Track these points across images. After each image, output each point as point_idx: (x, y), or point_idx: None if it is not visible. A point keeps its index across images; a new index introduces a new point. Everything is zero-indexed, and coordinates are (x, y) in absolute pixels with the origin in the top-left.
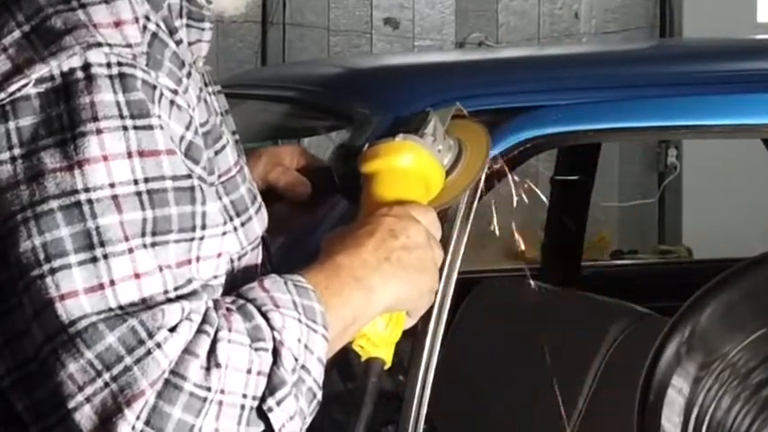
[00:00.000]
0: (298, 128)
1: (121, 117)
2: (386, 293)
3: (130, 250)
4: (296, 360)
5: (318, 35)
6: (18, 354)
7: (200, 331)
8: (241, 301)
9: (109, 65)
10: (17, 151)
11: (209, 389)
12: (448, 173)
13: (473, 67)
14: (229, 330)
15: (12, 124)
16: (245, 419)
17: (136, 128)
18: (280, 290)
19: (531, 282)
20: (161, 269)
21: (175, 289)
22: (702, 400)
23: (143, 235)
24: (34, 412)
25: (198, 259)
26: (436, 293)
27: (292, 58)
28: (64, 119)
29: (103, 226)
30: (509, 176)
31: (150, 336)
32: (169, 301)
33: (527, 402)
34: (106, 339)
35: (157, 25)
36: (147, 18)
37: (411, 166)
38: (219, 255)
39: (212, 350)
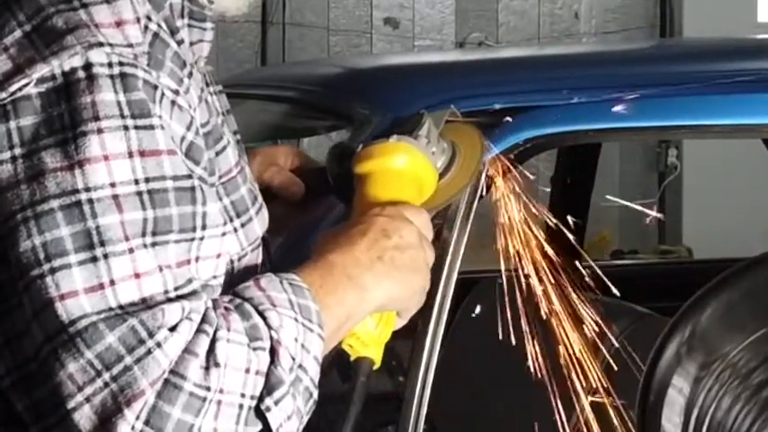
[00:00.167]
0: (297, 128)
1: (122, 117)
2: (379, 292)
3: (131, 250)
4: (293, 359)
5: (318, 35)
6: (18, 354)
7: (199, 331)
8: (238, 300)
9: (110, 65)
10: (18, 151)
11: (208, 388)
12: (441, 175)
13: (473, 68)
14: (228, 330)
15: (13, 124)
16: (244, 419)
17: (137, 128)
18: (276, 289)
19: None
20: (161, 269)
21: (175, 289)
22: (703, 401)
23: (143, 235)
24: (34, 412)
25: (197, 259)
26: (428, 294)
27: (292, 58)
28: (65, 118)
29: (104, 226)
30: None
31: (150, 335)
32: (169, 300)
33: (527, 402)
34: (106, 339)
35: (159, 25)
36: (149, 18)
37: (405, 168)
38: (219, 255)
39: (211, 350)
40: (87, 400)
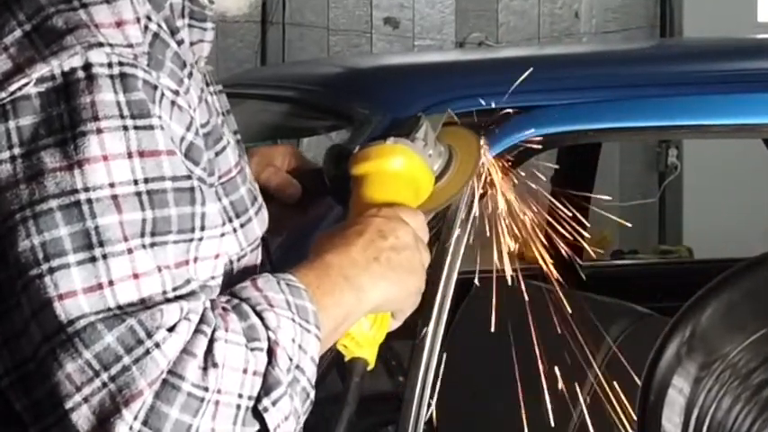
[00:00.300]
0: (297, 128)
1: (122, 117)
2: (375, 293)
3: (129, 250)
4: (290, 360)
5: (318, 35)
6: (16, 353)
7: (197, 331)
8: (236, 301)
9: (110, 65)
10: (17, 150)
11: (206, 389)
12: (437, 178)
13: (473, 67)
14: (226, 330)
15: (12, 123)
16: (241, 419)
17: (136, 128)
18: (273, 289)
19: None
20: (160, 269)
21: (174, 289)
22: (703, 401)
23: (142, 235)
24: (33, 412)
25: (196, 260)
26: (428, 294)
27: (292, 58)
28: (64, 118)
29: (103, 226)
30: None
31: (149, 335)
32: (168, 301)
33: (527, 402)
34: (105, 339)
35: (159, 25)
36: (149, 18)
37: (401, 170)
38: (218, 256)
39: (209, 350)
40: (85, 400)
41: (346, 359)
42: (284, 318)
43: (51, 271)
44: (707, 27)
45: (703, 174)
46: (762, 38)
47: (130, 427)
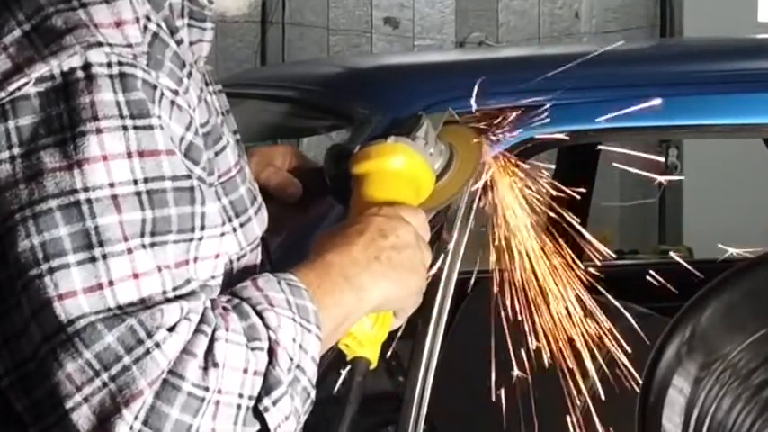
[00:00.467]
0: (297, 128)
1: (121, 117)
2: (375, 292)
3: (129, 250)
4: (291, 360)
5: (318, 35)
6: (16, 354)
7: (197, 331)
8: (236, 300)
9: (109, 64)
10: (17, 150)
11: (206, 388)
12: (438, 177)
13: (473, 67)
14: (226, 330)
15: (11, 123)
16: (242, 419)
17: (136, 128)
18: (273, 289)
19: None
20: (160, 269)
21: (174, 289)
22: (703, 401)
23: (142, 235)
24: (33, 412)
25: (196, 259)
26: (428, 294)
27: (292, 58)
28: (64, 118)
29: (102, 226)
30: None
31: (149, 335)
32: (168, 300)
33: (527, 402)
34: (105, 339)
35: (158, 25)
36: (148, 18)
37: (402, 169)
38: (218, 255)
39: (210, 350)
40: (86, 400)
41: (348, 358)
42: (285, 317)
43: (51, 271)
44: (707, 27)
45: (703, 174)
46: (762, 38)
47: (131, 427)
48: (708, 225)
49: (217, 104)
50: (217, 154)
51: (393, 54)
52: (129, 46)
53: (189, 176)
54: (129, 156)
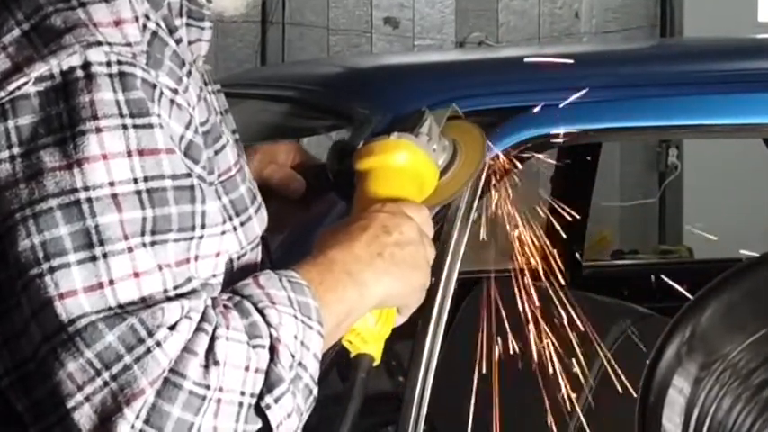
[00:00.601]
0: (297, 128)
1: (121, 116)
2: (378, 289)
3: (130, 249)
4: (293, 357)
5: (318, 34)
6: (17, 354)
7: (198, 329)
8: (237, 298)
9: (109, 63)
10: (16, 150)
11: (207, 387)
12: (442, 173)
13: (473, 67)
14: (227, 328)
15: (11, 123)
16: (244, 417)
17: (135, 127)
18: (275, 286)
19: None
20: (160, 268)
21: (175, 288)
22: (703, 401)
23: (142, 234)
24: (34, 412)
25: (197, 258)
26: (428, 293)
27: (292, 58)
28: (63, 117)
29: (103, 225)
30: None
31: (150, 334)
32: (169, 299)
33: (527, 403)
34: (106, 338)
35: (157, 24)
36: (147, 17)
37: (405, 165)
38: (218, 254)
39: (211, 348)
40: (87, 399)
41: (352, 355)
42: (286, 314)
43: (52, 270)
44: (707, 27)
45: (703, 174)
46: (762, 38)
47: (132, 426)
48: (708, 225)
49: (216, 104)
50: (217, 153)
51: (393, 54)
52: (129, 45)
53: (189, 175)
54: (129, 154)
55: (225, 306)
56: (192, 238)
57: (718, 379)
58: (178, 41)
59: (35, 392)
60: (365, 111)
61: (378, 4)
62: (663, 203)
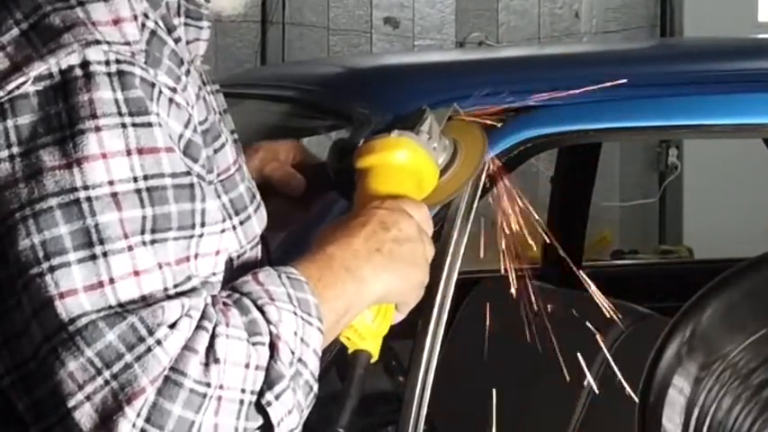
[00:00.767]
0: (297, 128)
1: (120, 115)
2: (377, 285)
3: (130, 248)
4: (293, 353)
5: (318, 34)
6: (17, 354)
7: (198, 327)
8: (236, 295)
9: (107, 62)
10: (16, 149)
11: (208, 384)
12: (442, 173)
13: (473, 67)
14: (227, 325)
15: (10, 122)
16: (244, 414)
17: (135, 125)
18: (274, 283)
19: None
20: (161, 266)
21: (175, 286)
22: (703, 401)
23: (142, 232)
24: (34, 412)
25: (197, 256)
26: (428, 294)
27: (292, 58)
28: (62, 117)
29: (103, 224)
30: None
31: (150, 333)
32: (169, 297)
33: (527, 402)
34: (106, 337)
35: (156, 23)
36: (146, 16)
37: (405, 163)
38: (218, 252)
39: (211, 346)
40: (88, 398)
41: (349, 351)
42: (286, 311)
43: (52, 269)
44: (707, 27)
45: (703, 174)
46: (762, 38)
47: (133, 425)
48: (708, 225)
49: (215, 103)
50: (216, 152)
51: (393, 54)
52: (127, 44)
53: (188, 173)
54: (129, 153)
55: (224, 304)
56: (191, 237)
57: (718, 379)
58: (177, 41)
59: (36, 392)
60: (365, 111)
61: (378, 4)
62: (663, 203)
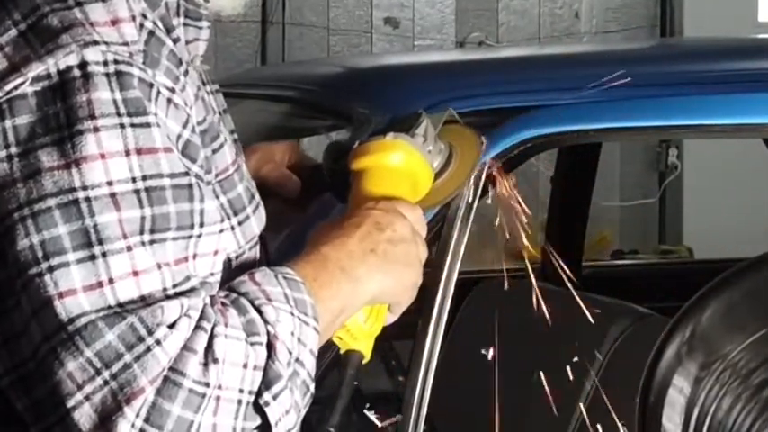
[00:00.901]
0: (297, 128)
1: (118, 115)
2: (371, 285)
3: (129, 248)
4: (290, 353)
5: (318, 35)
6: (16, 354)
7: (197, 327)
8: (234, 295)
9: (105, 63)
10: (14, 150)
11: (207, 384)
12: (437, 176)
13: (473, 67)
14: (225, 326)
15: (8, 123)
16: (243, 414)
17: (133, 126)
18: (271, 283)
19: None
20: (159, 267)
21: (174, 286)
22: (703, 401)
23: (141, 233)
24: (34, 412)
25: (195, 256)
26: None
27: (292, 58)
28: (61, 117)
29: (101, 224)
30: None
31: (150, 333)
32: (168, 298)
33: (527, 402)
34: (105, 337)
35: (154, 23)
36: (144, 16)
37: (400, 165)
38: (216, 252)
39: (210, 346)
40: (87, 398)
41: (341, 351)
42: (283, 311)
43: (51, 269)
44: (707, 27)
45: (704, 173)
46: (762, 38)
47: (132, 425)
48: (708, 225)
49: (214, 103)
50: (214, 152)
51: (393, 54)
52: (126, 44)
53: (187, 174)
54: (127, 154)
55: (222, 304)
56: (190, 237)
57: (718, 379)
58: (175, 41)
59: (35, 392)
60: (365, 111)
61: (378, 4)
62: (663, 203)
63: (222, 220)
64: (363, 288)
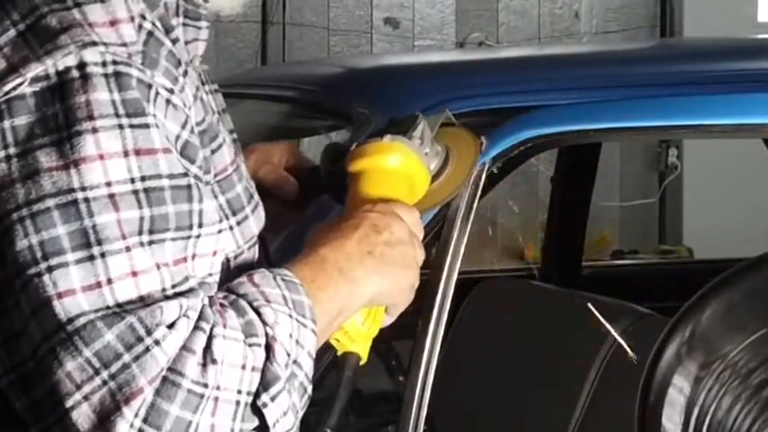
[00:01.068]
0: (297, 128)
1: (117, 116)
2: (369, 287)
3: (128, 248)
4: (288, 355)
5: (318, 35)
6: (15, 354)
7: (196, 328)
8: (233, 297)
9: (104, 64)
10: (12, 150)
11: (205, 385)
12: (434, 178)
13: (473, 67)
14: (224, 326)
15: (7, 123)
16: (241, 415)
17: (132, 126)
18: (269, 284)
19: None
20: (158, 267)
21: (173, 286)
22: (703, 400)
23: (140, 233)
24: (33, 412)
25: (194, 257)
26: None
27: (292, 58)
28: (59, 118)
29: (100, 224)
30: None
31: (149, 333)
32: (167, 298)
33: (527, 402)
34: (104, 337)
35: (153, 24)
36: (143, 17)
37: (397, 167)
38: (215, 253)
39: (208, 346)
40: (86, 398)
41: (339, 353)
42: (281, 313)
43: (50, 270)
44: (707, 27)
45: (703, 174)
46: (762, 38)
47: (131, 425)
48: (708, 225)
49: (213, 104)
50: (213, 152)
51: (393, 54)
52: (124, 45)
53: (186, 174)
54: (126, 154)
55: (221, 305)
56: (189, 237)
57: (718, 379)
58: (174, 41)
59: (34, 392)
60: (365, 111)
61: (378, 4)
62: (663, 203)
63: (221, 220)
64: (361, 290)
